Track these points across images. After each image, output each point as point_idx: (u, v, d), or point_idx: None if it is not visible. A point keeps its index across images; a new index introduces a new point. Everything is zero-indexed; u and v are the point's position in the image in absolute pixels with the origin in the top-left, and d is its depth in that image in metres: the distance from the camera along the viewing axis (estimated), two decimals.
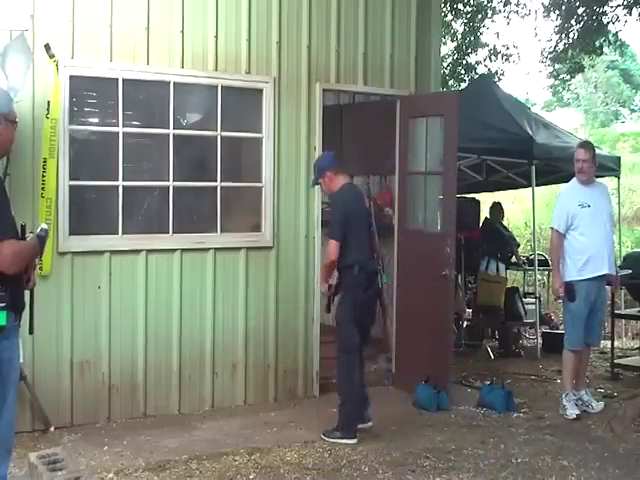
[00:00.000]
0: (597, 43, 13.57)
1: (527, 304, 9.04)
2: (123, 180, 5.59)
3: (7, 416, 3.42)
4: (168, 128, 5.76)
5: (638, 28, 32.48)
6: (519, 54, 15.10)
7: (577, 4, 13.10)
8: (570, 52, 13.88)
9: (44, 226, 3.56)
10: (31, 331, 3.68)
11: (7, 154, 4.21)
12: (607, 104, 33.90)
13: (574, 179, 6.15)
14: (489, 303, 8.68)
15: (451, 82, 14.80)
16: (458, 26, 15.15)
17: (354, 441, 5.16)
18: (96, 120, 5.94)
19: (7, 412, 3.41)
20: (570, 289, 5.88)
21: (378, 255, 5.32)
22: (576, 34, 13.45)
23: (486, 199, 10.37)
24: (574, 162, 6.06)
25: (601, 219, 5.96)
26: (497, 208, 9.49)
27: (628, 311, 9.11)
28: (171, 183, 5.78)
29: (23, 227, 3.45)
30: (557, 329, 9.14)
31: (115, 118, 5.59)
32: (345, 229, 5.16)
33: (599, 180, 6.52)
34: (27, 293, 3.52)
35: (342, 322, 5.26)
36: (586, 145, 6.41)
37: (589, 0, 12.77)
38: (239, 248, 6.02)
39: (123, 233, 5.61)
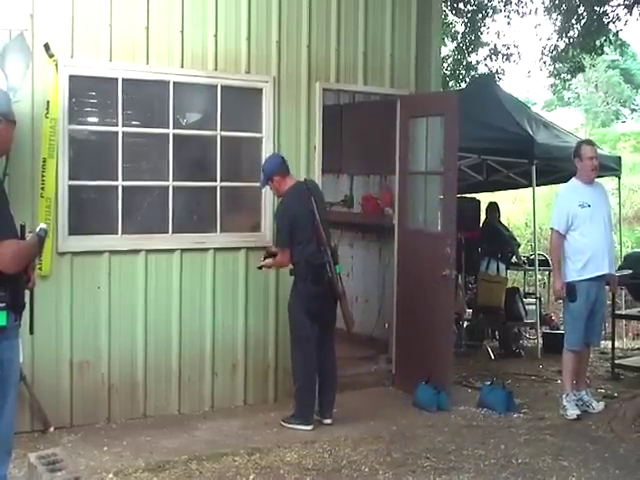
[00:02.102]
0: (598, 42, 13.56)
1: (527, 304, 9.03)
2: (123, 180, 5.58)
3: (7, 417, 3.42)
4: (168, 128, 5.75)
5: (639, 28, 32.40)
6: (520, 53, 15.12)
7: (577, 3, 13.08)
8: (571, 51, 13.87)
9: (43, 226, 3.56)
10: (31, 331, 3.68)
11: (6, 154, 4.20)
12: (608, 104, 33.90)
13: (573, 179, 6.13)
14: (489, 303, 8.67)
15: (451, 82, 14.80)
16: (458, 26, 15.15)
17: (309, 427, 5.45)
18: (96, 120, 5.92)
19: (7, 413, 3.41)
20: (571, 289, 5.87)
21: (325, 248, 5.47)
22: (577, 33, 13.44)
23: (486, 199, 10.36)
24: (580, 160, 5.99)
25: (601, 219, 5.95)
26: (493, 208, 9.49)
27: (629, 311, 9.11)
28: (171, 183, 5.77)
29: (22, 227, 3.45)
30: (557, 329, 9.12)
31: (115, 118, 5.58)
32: (290, 234, 5.46)
33: (598, 180, 6.49)
34: (27, 293, 3.51)
35: (292, 313, 5.61)
36: (592, 142, 6.41)
37: None
38: (239, 248, 6.01)
39: (123, 233, 5.60)
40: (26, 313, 3.52)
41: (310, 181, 5.78)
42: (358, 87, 6.62)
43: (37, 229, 3.50)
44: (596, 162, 6.03)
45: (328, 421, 5.59)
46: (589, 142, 6.43)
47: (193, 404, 5.84)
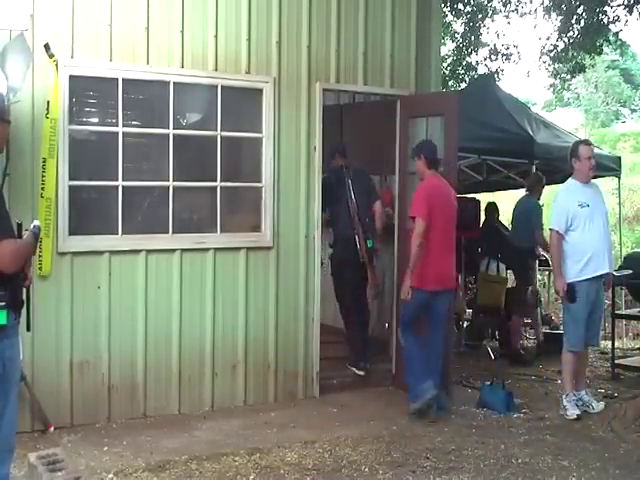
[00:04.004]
0: (597, 43, 13.56)
1: None
2: (123, 180, 5.59)
3: (9, 416, 3.43)
4: (168, 128, 5.76)
5: (638, 28, 32.43)
6: (519, 54, 15.12)
7: (577, 3, 13.08)
8: (570, 52, 13.87)
9: (37, 222, 3.56)
10: (28, 328, 3.69)
11: (0, 152, 4.20)
12: (607, 104, 33.88)
13: (571, 179, 6.12)
14: (489, 303, 8.67)
15: (451, 82, 14.80)
16: (458, 26, 15.16)
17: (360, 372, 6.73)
18: (96, 120, 5.93)
19: (9, 411, 3.42)
20: (571, 290, 5.87)
21: (356, 222, 6.66)
22: (576, 33, 13.44)
23: (486, 199, 10.36)
24: (578, 160, 5.98)
25: (599, 218, 5.96)
26: (492, 208, 9.49)
27: (629, 311, 9.11)
28: (171, 183, 5.77)
29: (20, 225, 3.46)
30: (557, 329, 9.13)
31: (115, 118, 5.58)
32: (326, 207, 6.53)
33: (598, 180, 6.51)
34: (24, 291, 3.52)
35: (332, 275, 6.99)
36: (590, 142, 6.42)
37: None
38: (239, 248, 6.01)
39: (123, 233, 5.60)
40: (23, 311, 3.52)
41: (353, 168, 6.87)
42: (358, 87, 6.63)
43: (31, 226, 3.51)
44: (594, 162, 6.04)
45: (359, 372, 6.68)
46: (586, 142, 6.43)
47: (193, 404, 5.84)
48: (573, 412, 5.84)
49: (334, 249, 6.89)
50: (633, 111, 34.67)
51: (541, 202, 8.46)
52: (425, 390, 5.67)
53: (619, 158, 10.45)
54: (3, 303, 3.30)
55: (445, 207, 5.84)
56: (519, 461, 4.87)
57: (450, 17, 14.78)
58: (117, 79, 5.51)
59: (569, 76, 15.42)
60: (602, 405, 6.08)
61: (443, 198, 5.85)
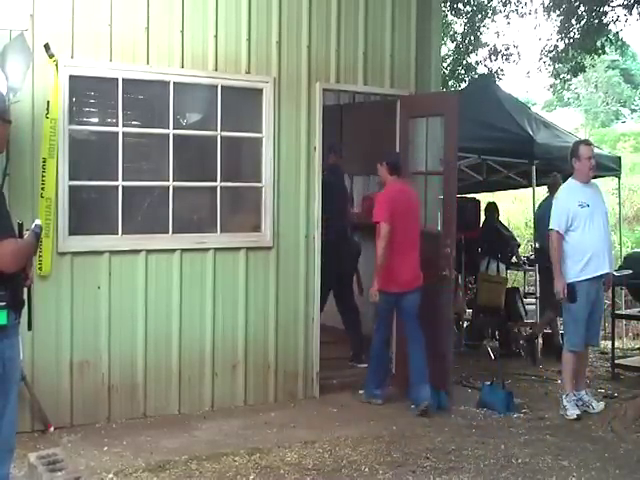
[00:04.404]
0: (598, 43, 13.56)
1: (527, 304, 9.03)
2: (123, 180, 5.58)
3: (9, 416, 3.42)
4: (168, 128, 5.75)
5: (638, 28, 32.43)
6: (519, 54, 15.12)
7: (577, 4, 13.08)
8: (571, 52, 13.87)
9: (37, 222, 3.55)
10: (29, 328, 3.69)
11: (1, 152, 4.20)
12: (608, 104, 33.91)
13: (571, 179, 6.13)
14: (489, 303, 8.66)
15: (451, 82, 14.80)
16: (458, 26, 15.16)
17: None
18: (96, 120, 5.93)
19: (9, 411, 3.42)
20: (571, 290, 5.87)
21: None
22: (576, 34, 13.44)
23: (486, 199, 10.36)
24: (578, 160, 5.98)
25: (599, 218, 5.96)
26: (492, 208, 9.49)
27: (629, 311, 9.10)
28: (171, 183, 5.77)
29: (20, 225, 3.46)
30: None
31: (115, 118, 5.58)
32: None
33: (598, 180, 6.50)
34: (24, 291, 3.51)
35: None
36: (590, 142, 6.42)
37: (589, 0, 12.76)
38: (239, 248, 6.01)
39: (123, 233, 5.60)
40: (24, 311, 3.52)
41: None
42: (358, 87, 6.62)
43: (32, 225, 3.50)
44: (594, 162, 6.05)
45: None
46: (587, 142, 6.43)
47: (193, 404, 5.84)
48: (573, 412, 5.84)
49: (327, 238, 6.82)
50: (633, 111, 34.70)
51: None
52: (376, 395, 6.17)
53: (619, 158, 10.45)
54: (3, 303, 3.30)
55: (407, 209, 6.06)
56: (519, 461, 4.87)
57: (450, 17, 14.78)
58: (117, 79, 5.51)
59: (569, 76, 15.42)
60: (602, 405, 6.08)
61: (405, 200, 6.08)
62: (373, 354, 6.24)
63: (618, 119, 34.30)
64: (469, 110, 7.40)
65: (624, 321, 10.37)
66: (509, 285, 9.35)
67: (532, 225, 9.56)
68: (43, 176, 5.22)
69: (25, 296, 3.50)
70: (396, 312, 6.23)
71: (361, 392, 6.26)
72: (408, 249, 6.01)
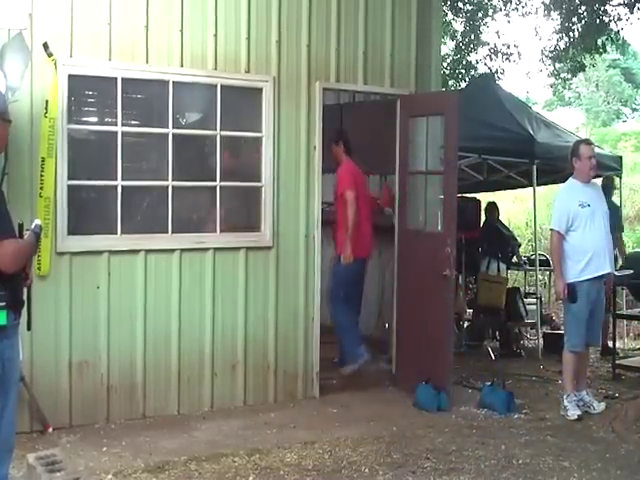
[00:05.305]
0: (599, 42, 13.54)
1: (528, 304, 9.02)
2: (122, 180, 5.57)
3: (8, 416, 3.41)
4: (167, 127, 5.74)
5: (639, 27, 32.43)
6: (519, 53, 15.12)
7: (578, 2, 13.06)
8: (571, 51, 13.85)
9: (37, 222, 3.54)
10: (29, 327, 3.68)
11: (1, 152, 4.19)
12: (608, 103, 33.91)
13: (571, 179, 6.11)
14: (490, 303, 8.65)
15: (451, 81, 14.79)
16: (458, 25, 15.15)
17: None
18: (95, 119, 5.92)
19: (8, 412, 3.41)
20: (572, 291, 5.86)
21: None
22: (577, 33, 13.42)
23: (487, 199, 10.34)
24: (579, 160, 5.96)
25: (600, 218, 5.95)
26: (492, 208, 9.47)
27: (630, 312, 9.09)
28: (170, 183, 5.75)
29: (21, 225, 3.45)
30: (558, 329, 9.11)
31: (114, 117, 5.56)
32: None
33: (598, 179, 6.49)
34: (24, 291, 3.50)
35: None
36: (590, 142, 6.40)
37: None
38: (239, 248, 5.99)
39: (122, 233, 5.59)
40: (24, 310, 3.51)
41: None
42: (358, 87, 6.61)
43: (32, 225, 3.49)
44: (594, 161, 6.03)
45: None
46: (587, 142, 6.41)
47: (193, 404, 5.83)
48: (574, 413, 5.83)
49: None
50: (634, 110, 34.72)
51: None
52: (360, 354, 6.52)
53: (620, 157, 10.43)
54: (3, 303, 3.29)
55: (363, 182, 6.97)
56: (520, 462, 4.85)
57: (450, 16, 14.77)
58: (116, 78, 5.49)
59: (570, 75, 15.41)
60: (603, 406, 6.06)
61: (360, 174, 6.92)
62: (345, 328, 6.66)
63: (619, 118, 34.30)
64: (469, 109, 7.39)
65: (625, 321, 10.35)
66: (509, 285, 9.34)
67: (532, 225, 9.55)
68: (42, 176, 5.21)
69: (25, 296, 3.49)
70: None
71: (343, 368, 6.60)
72: (367, 217, 6.77)
